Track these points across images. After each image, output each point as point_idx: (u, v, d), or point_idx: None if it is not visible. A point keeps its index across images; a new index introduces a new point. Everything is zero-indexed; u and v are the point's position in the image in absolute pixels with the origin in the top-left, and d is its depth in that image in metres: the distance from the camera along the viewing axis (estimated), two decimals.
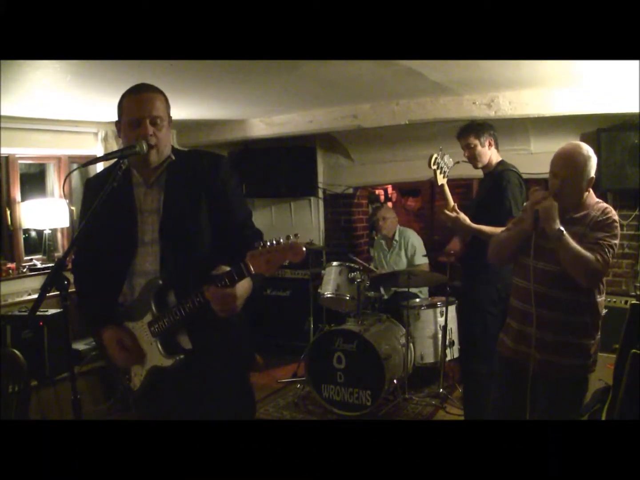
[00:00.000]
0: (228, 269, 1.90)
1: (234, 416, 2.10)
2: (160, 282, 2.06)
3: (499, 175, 3.34)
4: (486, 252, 3.19)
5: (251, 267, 1.83)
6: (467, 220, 3.19)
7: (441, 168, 3.18)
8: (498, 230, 3.13)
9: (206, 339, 2.08)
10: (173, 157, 2.14)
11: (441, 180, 3.21)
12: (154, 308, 2.06)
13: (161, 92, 2.08)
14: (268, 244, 1.79)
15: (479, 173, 3.57)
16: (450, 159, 3.25)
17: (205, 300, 1.93)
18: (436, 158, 3.14)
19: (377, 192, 7.68)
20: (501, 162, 3.45)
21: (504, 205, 3.21)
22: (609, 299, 3.82)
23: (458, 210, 3.21)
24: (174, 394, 2.13)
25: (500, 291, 3.33)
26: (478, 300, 3.40)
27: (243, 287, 1.96)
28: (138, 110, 2.01)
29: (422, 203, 7.76)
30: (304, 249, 1.80)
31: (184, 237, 2.09)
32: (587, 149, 2.37)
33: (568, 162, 2.37)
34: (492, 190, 3.34)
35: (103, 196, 1.97)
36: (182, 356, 2.05)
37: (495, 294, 3.34)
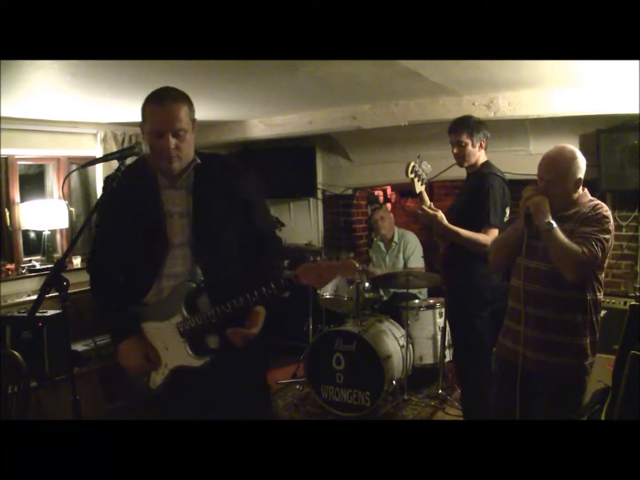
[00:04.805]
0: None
1: (253, 415, 2.13)
2: (194, 285, 2.09)
3: (482, 178, 3.29)
4: (467, 255, 3.20)
5: (302, 278, 1.91)
6: (445, 220, 3.15)
7: (419, 176, 3.15)
8: (474, 235, 3.14)
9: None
10: (199, 160, 2.15)
11: (419, 187, 3.17)
12: (184, 310, 2.09)
13: (185, 99, 2.07)
14: (322, 258, 1.87)
15: None
16: (429, 165, 3.21)
17: (237, 311, 2.02)
18: (414, 166, 3.10)
19: (376, 193, 7.68)
20: (486, 164, 3.38)
21: (483, 211, 3.18)
22: (608, 300, 3.82)
23: (435, 209, 3.18)
24: (196, 392, 2.15)
25: (486, 294, 3.32)
26: (465, 305, 3.36)
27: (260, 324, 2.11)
28: (161, 122, 2.02)
29: (418, 206, 7.74)
30: (357, 265, 1.88)
31: (216, 241, 2.12)
32: (571, 152, 2.40)
33: (551, 166, 2.41)
34: (474, 194, 3.29)
35: (103, 196, 1.98)
36: (211, 357, 2.10)
37: (482, 297, 3.32)
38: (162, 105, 2.02)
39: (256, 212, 2.24)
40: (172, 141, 2.02)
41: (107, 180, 2.21)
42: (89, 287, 2.25)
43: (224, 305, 2.02)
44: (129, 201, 2.12)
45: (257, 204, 2.27)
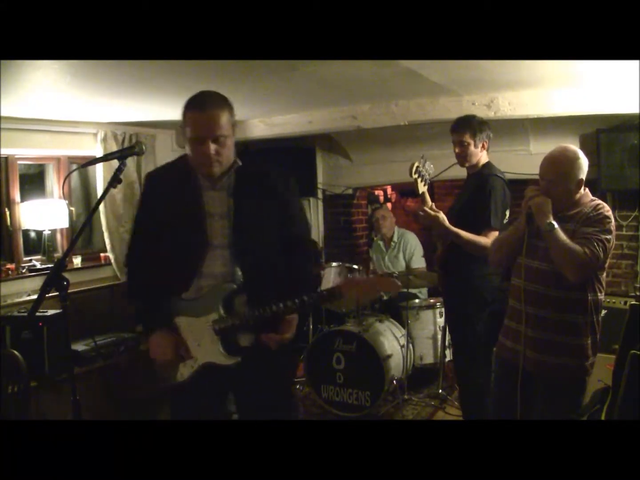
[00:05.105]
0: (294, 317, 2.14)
1: (279, 415, 2.18)
2: (235, 286, 2.13)
3: (483, 180, 3.26)
4: (466, 257, 3.19)
5: (344, 291, 1.99)
6: (446, 221, 3.13)
7: (422, 176, 3.12)
8: (475, 237, 3.13)
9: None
10: (239, 163, 2.18)
11: (422, 188, 3.15)
12: (221, 309, 2.12)
13: (225, 104, 2.09)
14: (366, 274, 1.92)
15: None
16: (431, 165, 3.19)
17: (276, 314, 2.07)
18: (417, 167, 3.08)
19: (376, 192, 7.68)
20: (487, 165, 3.35)
21: (484, 213, 3.17)
22: (608, 300, 3.81)
23: (437, 210, 3.16)
24: (222, 389, 2.21)
25: (485, 295, 3.31)
26: (464, 306, 3.35)
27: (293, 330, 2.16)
28: (201, 129, 2.03)
29: (421, 204, 7.74)
30: (399, 283, 1.93)
31: (256, 243, 2.14)
32: (574, 152, 2.40)
33: (553, 167, 2.41)
34: (475, 195, 3.27)
35: (104, 195, 1.99)
36: (242, 357, 2.13)
37: (481, 298, 3.30)
38: (203, 112, 2.03)
39: (294, 215, 2.28)
40: (213, 147, 2.03)
41: (148, 177, 2.28)
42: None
43: (262, 309, 2.06)
44: (170, 200, 2.16)
45: (295, 207, 2.31)
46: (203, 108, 2.03)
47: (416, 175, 3.09)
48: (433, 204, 3.22)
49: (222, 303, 2.13)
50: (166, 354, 2.15)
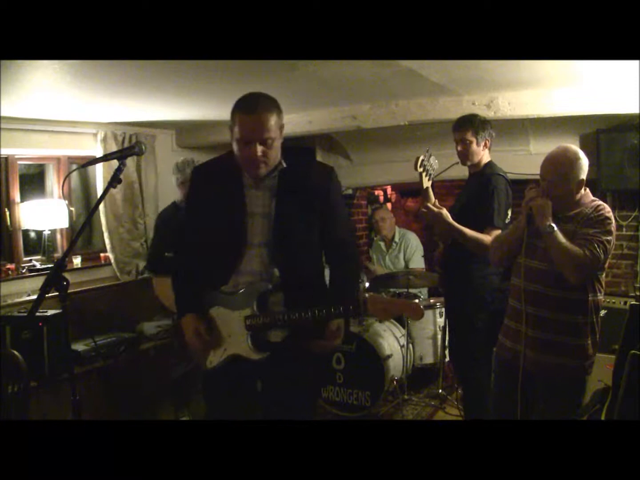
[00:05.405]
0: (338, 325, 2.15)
1: (300, 413, 2.21)
2: (270, 286, 2.16)
3: (486, 179, 3.25)
4: (466, 257, 3.18)
5: (369, 307, 2.02)
6: (450, 217, 3.09)
7: (427, 170, 3.09)
8: (479, 235, 3.11)
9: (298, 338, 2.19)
10: (284, 165, 2.20)
11: (426, 183, 3.11)
12: (255, 307, 2.16)
13: (274, 106, 2.11)
14: (392, 294, 1.94)
15: None
16: (436, 161, 3.17)
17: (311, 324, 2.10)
18: (422, 160, 3.04)
19: (376, 192, 7.68)
20: (489, 164, 3.34)
21: (486, 212, 3.15)
22: (608, 300, 3.81)
23: (440, 206, 3.13)
24: (251, 381, 2.27)
25: (485, 295, 3.31)
26: (465, 307, 3.34)
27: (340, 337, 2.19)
28: (250, 132, 2.05)
29: (421, 204, 7.73)
30: (423, 308, 2.03)
31: (295, 244, 2.17)
32: (575, 152, 2.39)
33: (554, 167, 2.41)
34: (478, 194, 3.26)
35: (103, 195, 1.99)
36: (269, 353, 2.17)
37: (482, 299, 3.29)
38: (253, 115, 2.05)
39: (337, 219, 2.29)
40: (259, 149, 2.06)
41: (195, 171, 2.33)
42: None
43: (292, 314, 2.09)
44: (213, 196, 2.20)
45: (339, 211, 2.31)
46: (253, 111, 2.06)
47: (421, 169, 3.04)
48: (436, 200, 3.19)
49: (257, 301, 2.17)
50: (189, 336, 2.20)
